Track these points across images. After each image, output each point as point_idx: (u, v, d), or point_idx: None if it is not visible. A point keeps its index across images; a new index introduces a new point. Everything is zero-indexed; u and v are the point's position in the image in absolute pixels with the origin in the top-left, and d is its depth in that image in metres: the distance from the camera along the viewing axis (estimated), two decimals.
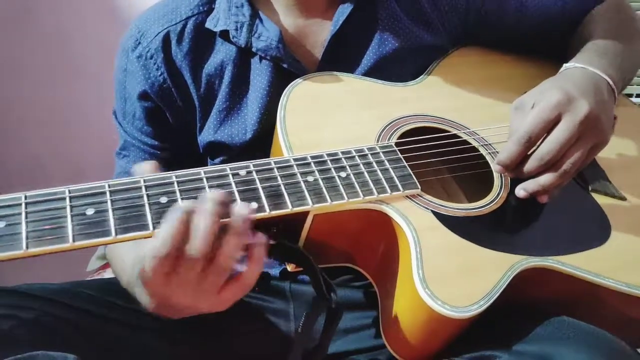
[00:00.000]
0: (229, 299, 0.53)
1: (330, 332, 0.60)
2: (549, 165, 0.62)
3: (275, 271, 0.79)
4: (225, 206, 0.50)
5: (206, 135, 0.77)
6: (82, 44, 1.43)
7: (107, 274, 1.22)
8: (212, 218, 0.48)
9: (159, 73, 0.75)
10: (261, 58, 0.74)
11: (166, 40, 0.75)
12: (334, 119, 0.68)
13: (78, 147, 1.41)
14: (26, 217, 0.46)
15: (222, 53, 0.75)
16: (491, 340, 0.58)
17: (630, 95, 1.60)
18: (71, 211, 0.48)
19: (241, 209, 0.50)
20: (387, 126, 0.69)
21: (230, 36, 0.73)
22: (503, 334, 0.58)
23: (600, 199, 0.69)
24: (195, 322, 0.60)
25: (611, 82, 0.68)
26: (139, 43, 0.76)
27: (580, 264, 0.60)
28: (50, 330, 0.60)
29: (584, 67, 0.68)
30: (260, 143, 0.73)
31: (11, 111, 1.53)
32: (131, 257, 0.61)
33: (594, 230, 0.65)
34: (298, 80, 0.71)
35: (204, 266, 0.49)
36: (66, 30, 1.44)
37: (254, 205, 0.54)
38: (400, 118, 0.70)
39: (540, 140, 0.62)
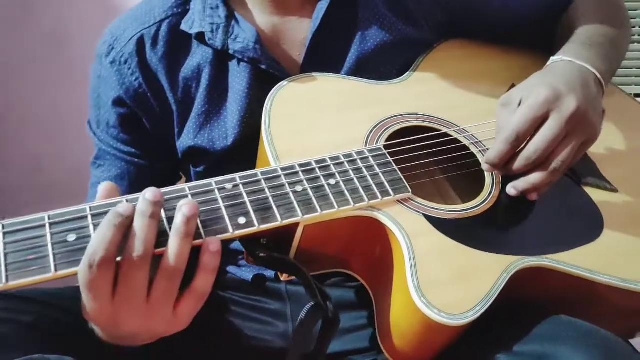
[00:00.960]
0: (185, 314, 0.50)
1: (327, 341, 0.60)
2: (538, 163, 0.61)
3: (270, 273, 0.79)
4: (158, 205, 0.46)
5: (185, 140, 0.75)
6: (82, 44, 1.42)
7: None
8: (147, 218, 0.45)
9: (134, 78, 0.73)
10: (239, 60, 0.72)
11: (140, 43, 0.73)
12: (321, 122, 0.67)
13: (78, 147, 1.41)
14: (4, 249, 0.45)
15: (199, 56, 0.73)
16: (489, 341, 0.58)
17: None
18: (52, 239, 0.46)
19: (183, 207, 0.47)
20: (375, 127, 0.67)
21: (206, 38, 0.71)
22: (500, 335, 0.58)
23: (593, 193, 0.68)
24: (193, 323, 0.59)
25: (599, 75, 0.67)
26: (113, 48, 0.74)
27: (575, 261, 0.60)
28: (49, 333, 0.59)
29: (571, 61, 0.67)
30: (243, 148, 0.71)
31: (11, 111, 1.53)
32: None
33: (587, 226, 0.65)
34: (282, 83, 0.69)
35: (151, 275, 0.46)
36: (66, 30, 1.44)
37: (242, 220, 0.52)
38: (388, 118, 0.69)
39: (528, 138, 0.61)
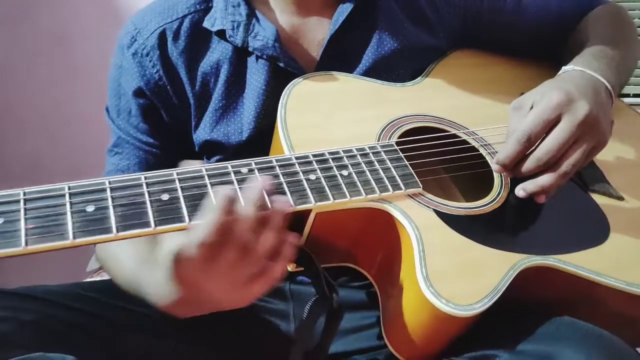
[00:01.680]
0: (255, 293, 0.53)
1: (332, 332, 0.60)
2: (548, 166, 0.62)
3: None
4: (264, 197, 0.50)
5: (202, 133, 0.76)
6: (82, 44, 1.44)
7: (107, 275, 1.22)
8: (254, 207, 0.49)
9: (155, 70, 0.74)
10: (257, 57, 0.73)
11: (162, 37, 0.74)
12: (335, 118, 0.68)
13: (78, 147, 1.43)
14: (25, 214, 0.45)
15: (218, 52, 0.75)
16: (492, 340, 0.58)
17: (627, 95, 1.63)
18: (71, 208, 0.47)
19: (281, 203, 0.51)
20: (387, 126, 0.68)
21: (227, 36, 0.73)
22: (504, 334, 0.58)
23: (599, 199, 0.69)
24: (195, 323, 0.59)
25: (609, 86, 0.68)
26: (135, 40, 0.75)
27: (580, 263, 0.60)
28: (50, 331, 0.59)
29: (582, 70, 0.69)
30: (257, 143, 0.72)
31: (11, 111, 1.55)
32: (131, 254, 0.62)
33: (594, 230, 0.66)
34: (298, 79, 0.70)
35: (241, 256, 0.49)
36: (66, 30, 1.46)
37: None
38: (400, 118, 0.70)
39: (539, 140, 0.63)
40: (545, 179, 0.62)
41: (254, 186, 0.49)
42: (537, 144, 0.62)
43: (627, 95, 1.64)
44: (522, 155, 0.63)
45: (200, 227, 0.47)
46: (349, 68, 0.75)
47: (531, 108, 0.64)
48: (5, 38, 1.46)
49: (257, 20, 0.73)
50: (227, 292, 0.52)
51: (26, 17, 1.45)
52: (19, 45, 1.48)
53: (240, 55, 0.74)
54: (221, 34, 0.74)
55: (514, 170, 0.64)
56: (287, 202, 0.52)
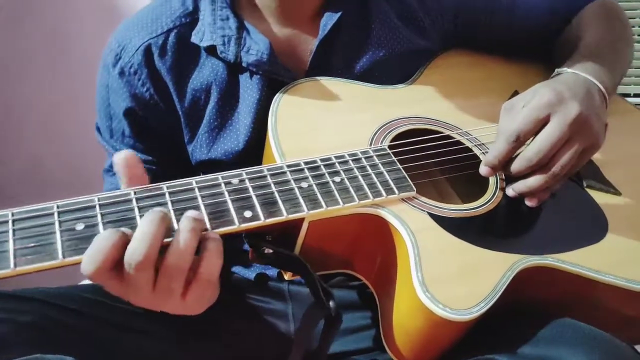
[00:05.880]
0: (194, 301, 0.50)
1: (329, 339, 0.60)
2: (538, 167, 0.61)
3: (272, 272, 0.79)
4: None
5: (199, 154, 0.75)
6: (82, 44, 1.43)
7: None
8: (158, 222, 0.46)
9: (145, 89, 0.73)
10: (252, 73, 0.72)
11: (148, 53, 0.72)
12: (326, 123, 0.68)
13: (77, 148, 1.42)
14: (13, 235, 0.45)
15: (208, 68, 0.73)
16: (491, 343, 0.57)
17: (628, 95, 1.63)
18: (60, 226, 0.47)
19: (191, 212, 0.48)
20: (379, 129, 0.68)
21: (218, 52, 0.71)
22: (503, 337, 0.58)
23: (596, 195, 0.69)
24: (193, 323, 0.58)
25: (603, 89, 0.67)
26: (120, 58, 0.73)
27: (579, 261, 0.60)
28: (47, 333, 0.59)
29: (575, 73, 0.68)
30: (255, 154, 0.71)
31: (11, 111, 1.54)
32: None
33: (592, 227, 0.65)
34: (288, 86, 0.70)
35: (152, 276, 0.47)
36: (66, 30, 1.45)
37: (248, 213, 0.53)
38: (393, 121, 0.69)
39: (529, 140, 0.62)
40: (534, 180, 0.62)
41: (153, 210, 0.47)
42: (527, 144, 0.62)
43: (628, 95, 1.63)
44: (511, 156, 0.62)
45: (85, 261, 0.45)
46: (341, 74, 0.74)
47: (523, 108, 0.64)
48: (6, 38, 1.45)
49: (248, 32, 0.71)
50: (158, 305, 0.49)
51: (26, 17, 1.43)
52: (19, 45, 1.46)
53: (232, 69, 0.72)
54: (210, 49, 0.72)
55: (505, 171, 0.63)
56: (200, 216, 0.48)
